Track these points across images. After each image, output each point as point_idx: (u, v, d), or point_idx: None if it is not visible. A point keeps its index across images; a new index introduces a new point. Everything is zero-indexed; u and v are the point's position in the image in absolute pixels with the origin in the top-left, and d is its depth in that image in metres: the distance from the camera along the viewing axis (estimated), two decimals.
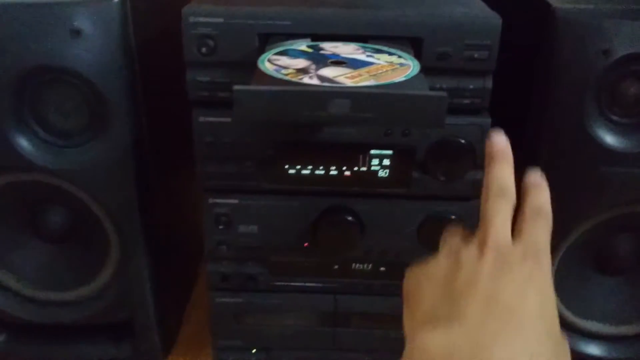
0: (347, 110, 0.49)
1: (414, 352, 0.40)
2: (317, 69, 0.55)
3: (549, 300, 0.40)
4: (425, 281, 0.44)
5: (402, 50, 0.59)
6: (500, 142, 0.45)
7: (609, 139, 0.61)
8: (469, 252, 0.42)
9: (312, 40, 0.61)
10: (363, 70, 0.55)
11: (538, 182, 0.45)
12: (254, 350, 0.78)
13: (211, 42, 0.60)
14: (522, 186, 0.45)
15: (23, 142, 0.66)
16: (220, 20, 0.60)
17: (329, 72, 0.54)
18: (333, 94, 0.50)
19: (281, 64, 0.56)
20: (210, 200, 0.68)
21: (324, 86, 0.52)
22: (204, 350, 0.84)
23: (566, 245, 0.68)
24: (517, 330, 0.37)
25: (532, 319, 0.38)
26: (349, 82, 0.52)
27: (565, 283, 0.71)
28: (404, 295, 0.46)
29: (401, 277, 0.71)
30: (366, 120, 0.51)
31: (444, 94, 0.50)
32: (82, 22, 0.61)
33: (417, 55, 0.59)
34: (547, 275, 0.41)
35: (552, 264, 0.68)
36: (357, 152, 0.65)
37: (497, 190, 0.44)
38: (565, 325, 0.73)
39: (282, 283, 0.73)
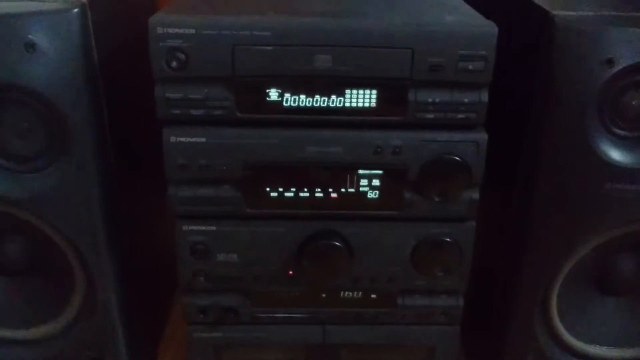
0: None
1: None
2: None
3: None
4: None
5: None
6: None
7: (614, 154, 0.57)
8: None
9: None
10: None
11: None
12: None
13: (182, 56, 0.55)
14: None
15: None
16: (192, 31, 0.54)
17: None
18: None
19: None
20: (185, 228, 0.62)
21: None
22: None
23: (569, 266, 0.64)
24: None
25: None
26: None
27: (568, 306, 0.67)
28: None
29: (393, 304, 0.66)
30: None
31: None
32: (38, 35, 0.55)
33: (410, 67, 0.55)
34: None
35: (555, 287, 0.64)
36: (344, 172, 0.60)
37: None
38: (569, 350, 0.69)
39: (266, 315, 0.67)
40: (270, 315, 0.67)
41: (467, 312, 0.69)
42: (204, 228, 0.62)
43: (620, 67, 0.54)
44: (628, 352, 0.69)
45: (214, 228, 0.62)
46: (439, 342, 0.70)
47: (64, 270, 0.67)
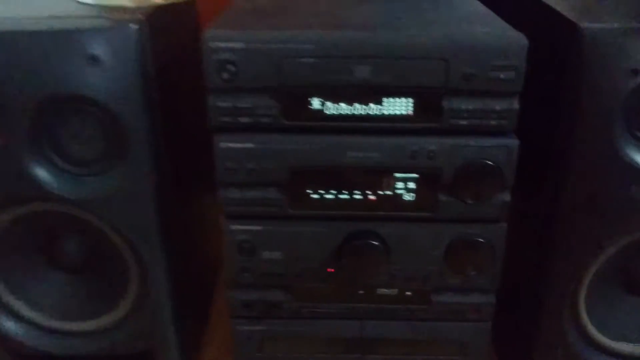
0: None
1: None
2: None
3: None
4: None
5: None
6: None
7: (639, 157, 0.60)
8: None
9: None
10: None
11: None
12: None
13: (232, 68, 0.59)
14: None
15: (40, 172, 0.64)
16: (242, 45, 0.59)
17: None
18: None
19: None
20: (233, 227, 0.67)
21: None
22: None
23: (596, 267, 0.67)
24: None
25: None
26: None
27: (597, 305, 0.69)
28: None
29: (427, 301, 0.70)
30: None
31: None
32: (100, 49, 0.60)
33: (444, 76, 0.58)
34: None
35: (584, 286, 0.67)
36: (382, 175, 0.64)
37: None
38: (597, 347, 0.71)
39: (307, 309, 0.71)
40: (311, 310, 0.71)
41: (498, 309, 0.72)
42: (250, 227, 0.66)
43: None
44: None
45: (259, 227, 0.67)
46: (471, 338, 0.73)
47: (120, 267, 0.71)
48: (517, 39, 0.59)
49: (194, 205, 0.84)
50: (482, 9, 0.72)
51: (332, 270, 0.68)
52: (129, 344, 0.76)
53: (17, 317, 0.75)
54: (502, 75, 0.59)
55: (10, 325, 0.75)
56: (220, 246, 0.67)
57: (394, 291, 0.70)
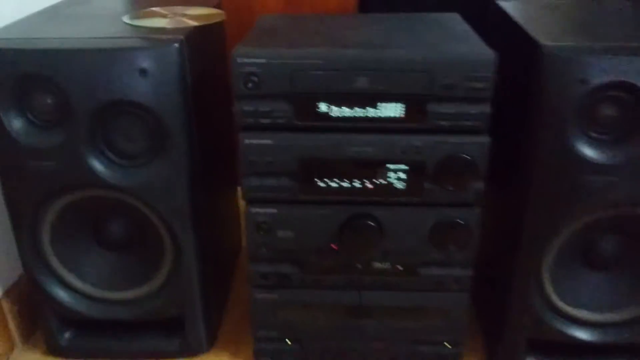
0: None
1: None
2: None
3: None
4: None
5: None
6: None
7: (589, 152, 0.72)
8: None
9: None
10: None
11: None
12: (288, 341, 0.90)
13: (255, 79, 0.73)
14: None
15: (96, 164, 0.78)
16: (263, 60, 0.72)
17: None
18: None
19: None
20: (253, 210, 0.80)
21: None
22: (241, 344, 0.96)
23: (558, 244, 0.80)
24: None
25: None
26: None
27: (559, 277, 0.82)
28: None
29: (415, 274, 0.83)
30: None
31: None
32: (147, 63, 0.74)
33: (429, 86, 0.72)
34: None
35: (547, 260, 0.80)
36: (377, 167, 0.77)
37: None
38: (560, 314, 0.84)
39: (313, 280, 0.85)
40: (316, 281, 0.85)
41: (479, 283, 0.84)
42: (267, 210, 0.80)
43: (591, 85, 0.70)
44: (609, 316, 0.84)
45: (275, 210, 0.80)
46: (452, 306, 0.86)
47: (156, 245, 0.85)
48: (487, 54, 0.72)
49: (219, 195, 0.98)
50: (464, 27, 0.85)
51: (335, 246, 0.82)
52: (162, 311, 0.89)
53: (69, 287, 0.89)
54: (475, 85, 0.72)
55: (62, 294, 0.89)
56: (239, 237, 0.80)
57: (387, 265, 0.83)
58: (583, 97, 0.70)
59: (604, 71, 0.69)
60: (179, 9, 0.90)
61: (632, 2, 0.97)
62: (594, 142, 0.73)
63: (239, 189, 0.97)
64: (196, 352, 0.94)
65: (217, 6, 0.96)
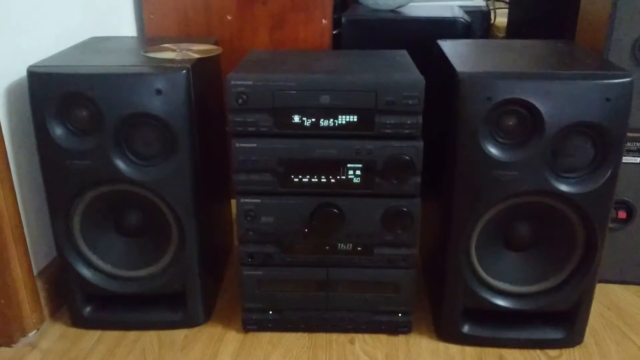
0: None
1: None
2: None
3: None
4: None
5: None
6: None
7: (497, 152, 0.95)
8: None
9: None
10: None
11: None
12: (270, 312, 1.10)
13: (244, 96, 0.96)
14: None
15: (120, 163, 1.00)
16: (250, 82, 0.95)
17: None
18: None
19: None
20: (242, 200, 1.02)
21: None
22: (233, 318, 1.16)
23: (480, 227, 1.01)
24: None
25: None
26: None
27: (484, 254, 1.03)
28: None
29: (371, 253, 1.04)
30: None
31: None
32: (162, 85, 0.97)
33: (375, 102, 0.95)
34: None
35: (473, 241, 1.02)
36: (338, 166, 0.99)
37: None
38: (485, 285, 1.05)
39: (290, 259, 1.06)
40: (293, 259, 1.06)
41: (428, 265, 1.05)
42: (253, 200, 1.02)
43: (495, 102, 0.93)
44: (524, 289, 1.05)
45: (259, 200, 1.02)
46: (402, 281, 1.07)
47: (165, 230, 1.06)
48: (418, 79, 0.96)
49: (216, 194, 1.20)
50: (407, 60, 1.09)
51: (307, 230, 1.03)
52: (168, 286, 1.10)
53: (93, 266, 1.09)
54: (410, 101, 0.96)
55: (87, 273, 1.09)
56: (231, 238, 1.00)
57: (349, 246, 1.05)
58: (489, 110, 0.94)
59: (504, 91, 0.93)
60: (184, 45, 1.14)
61: (562, 42, 1.22)
62: (499, 145, 0.96)
63: (232, 201, 1.19)
64: (195, 323, 1.14)
65: (215, 43, 1.20)
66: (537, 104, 0.92)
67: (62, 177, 1.01)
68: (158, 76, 0.97)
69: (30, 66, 0.98)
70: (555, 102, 0.92)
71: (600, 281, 1.22)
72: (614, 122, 0.93)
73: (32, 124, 0.99)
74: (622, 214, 1.22)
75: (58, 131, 0.99)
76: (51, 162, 1.01)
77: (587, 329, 1.08)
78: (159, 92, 0.96)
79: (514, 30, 2.06)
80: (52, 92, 0.97)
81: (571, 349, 1.08)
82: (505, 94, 0.93)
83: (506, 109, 0.94)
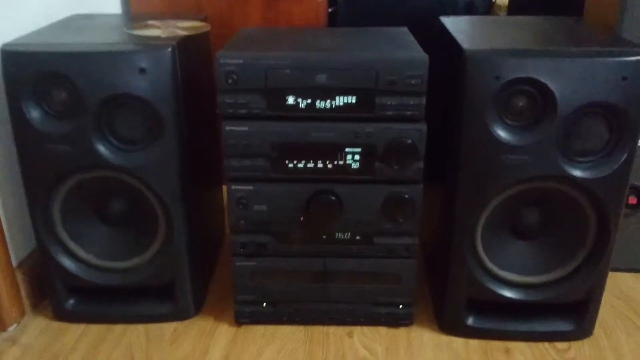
0: None
1: None
2: None
3: None
4: None
5: None
6: None
7: (505, 135, 0.89)
8: None
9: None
10: None
11: None
12: (264, 304, 1.05)
13: (234, 76, 0.89)
14: None
15: (101, 148, 0.93)
16: (241, 61, 0.89)
17: None
18: None
19: None
20: (233, 187, 0.96)
21: None
22: (224, 311, 1.11)
23: (486, 215, 0.96)
24: None
25: None
26: None
27: (490, 243, 0.98)
28: None
29: (371, 243, 0.98)
30: None
31: None
32: (146, 63, 0.90)
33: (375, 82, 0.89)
34: None
35: (479, 230, 0.96)
36: (336, 150, 0.93)
37: None
38: (490, 275, 1.00)
39: (285, 249, 1.00)
40: (287, 249, 1.00)
41: (430, 255, 1.00)
42: (245, 187, 0.95)
43: (504, 81, 0.87)
44: (532, 279, 1.00)
45: (251, 187, 0.96)
46: (402, 271, 1.02)
47: (151, 220, 1.00)
48: (422, 57, 0.89)
49: (205, 181, 1.14)
50: (409, 38, 1.03)
51: (302, 218, 0.97)
52: (155, 278, 1.04)
53: (75, 257, 1.03)
54: (413, 81, 0.89)
55: (69, 264, 1.03)
56: (222, 228, 0.93)
57: (347, 235, 0.99)
58: (498, 90, 0.87)
59: (513, 69, 0.87)
60: (171, 22, 1.07)
61: (575, 20, 1.15)
62: (508, 127, 0.90)
63: (224, 188, 1.12)
64: (185, 316, 1.08)
65: (204, 20, 1.13)
66: (549, 83, 0.86)
67: (40, 163, 0.94)
68: (141, 54, 0.90)
69: (4, 44, 0.91)
70: (568, 81, 0.86)
71: (609, 270, 1.17)
72: (630, 102, 0.87)
73: (6, 106, 0.92)
74: (632, 200, 1.16)
75: (34, 114, 0.92)
76: (28, 147, 0.94)
77: (597, 320, 1.03)
78: (142, 71, 0.90)
79: (516, 9, 1.98)
80: (28, 72, 0.90)
81: (580, 342, 1.03)
82: (515, 73, 0.87)
83: (516, 89, 0.88)
